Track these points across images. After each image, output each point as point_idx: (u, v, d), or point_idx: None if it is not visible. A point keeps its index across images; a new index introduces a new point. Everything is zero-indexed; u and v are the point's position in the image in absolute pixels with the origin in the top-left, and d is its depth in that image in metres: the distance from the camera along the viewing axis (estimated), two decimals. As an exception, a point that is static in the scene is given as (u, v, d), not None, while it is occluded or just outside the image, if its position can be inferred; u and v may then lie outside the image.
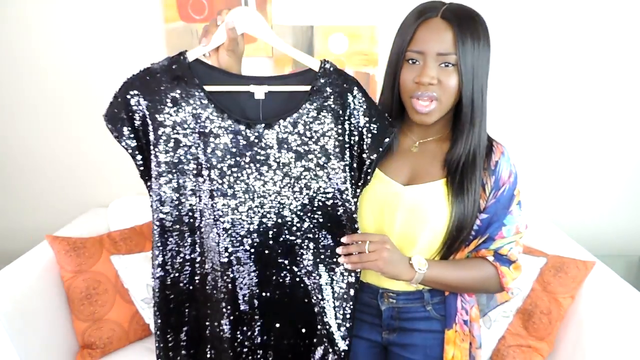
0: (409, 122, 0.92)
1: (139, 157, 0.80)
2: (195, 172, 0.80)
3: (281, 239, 0.84)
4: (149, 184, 0.81)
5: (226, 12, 0.79)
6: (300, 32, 1.71)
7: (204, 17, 1.70)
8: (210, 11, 1.70)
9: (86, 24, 1.72)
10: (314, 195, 0.83)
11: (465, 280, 0.87)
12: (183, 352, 0.87)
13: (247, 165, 0.80)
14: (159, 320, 0.85)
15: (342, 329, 0.86)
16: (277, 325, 0.88)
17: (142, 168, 0.81)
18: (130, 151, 0.79)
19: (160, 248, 0.81)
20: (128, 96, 0.76)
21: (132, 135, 0.78)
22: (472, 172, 0.84)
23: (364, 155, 0.83)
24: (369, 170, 0.84)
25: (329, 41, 1.73)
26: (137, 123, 0.78)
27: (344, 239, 0.84)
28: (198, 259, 0.85)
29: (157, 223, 0.81)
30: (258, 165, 0.81)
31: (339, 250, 0.84)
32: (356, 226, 0.84)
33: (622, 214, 1.92)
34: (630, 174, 1.86)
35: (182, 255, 0.84)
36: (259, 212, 0.82)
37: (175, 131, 0.78)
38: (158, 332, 0.85)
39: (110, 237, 1.59)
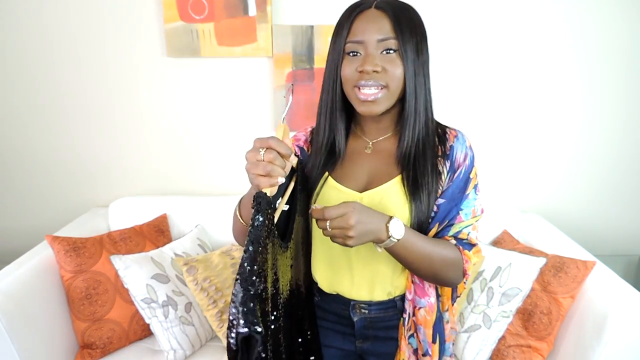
0: (359, 122, 0.90)
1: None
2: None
3: None
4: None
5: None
6: (300, 32, 1.71)
7: (204, 17, 1.70)
8: (210, 11, 1.70)
9: (86, 24, 1.72)
10: None
11: (433, 256, 0.78)
12: None
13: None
14: None
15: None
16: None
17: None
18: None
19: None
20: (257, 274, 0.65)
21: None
22: (424, 164, 0.81)
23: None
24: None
25: (329, 41, 1.72)
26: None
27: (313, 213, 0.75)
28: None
29: None
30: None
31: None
32: None
33: (622, 214, 1.92)
34: (630, 174, 1.86)
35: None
36: None
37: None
38: None
39: (110, 237, 1.59)
